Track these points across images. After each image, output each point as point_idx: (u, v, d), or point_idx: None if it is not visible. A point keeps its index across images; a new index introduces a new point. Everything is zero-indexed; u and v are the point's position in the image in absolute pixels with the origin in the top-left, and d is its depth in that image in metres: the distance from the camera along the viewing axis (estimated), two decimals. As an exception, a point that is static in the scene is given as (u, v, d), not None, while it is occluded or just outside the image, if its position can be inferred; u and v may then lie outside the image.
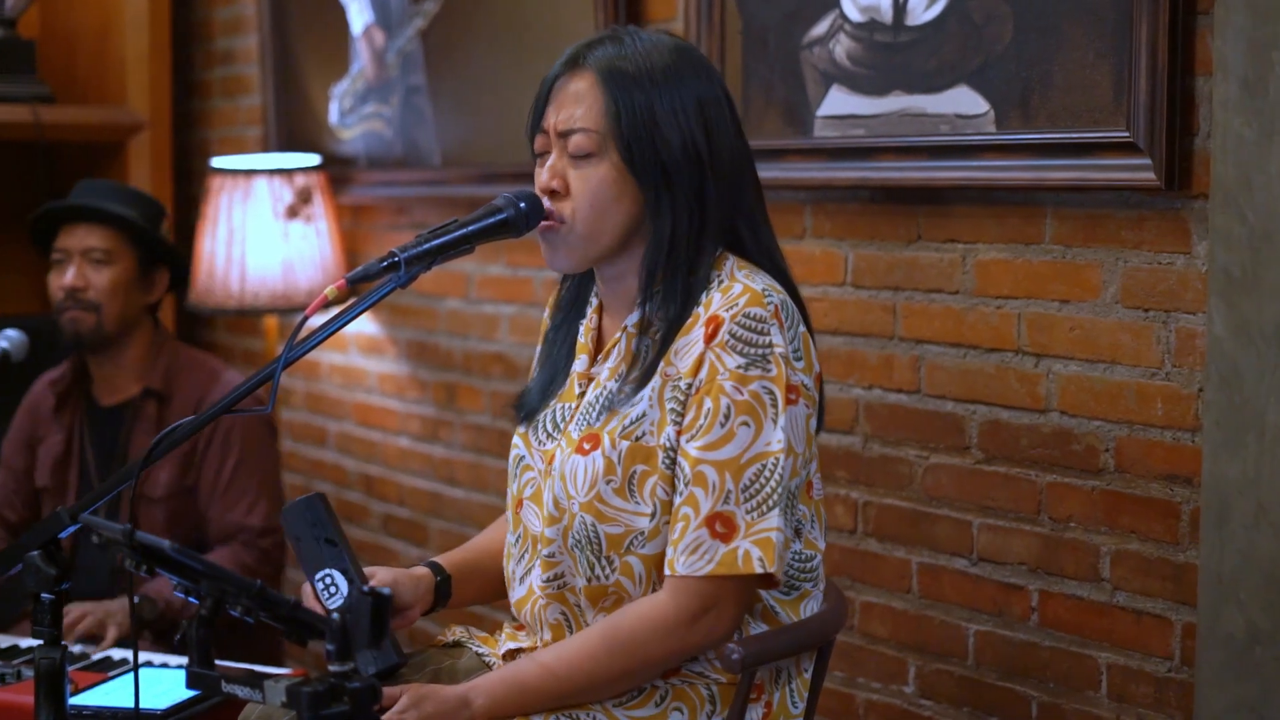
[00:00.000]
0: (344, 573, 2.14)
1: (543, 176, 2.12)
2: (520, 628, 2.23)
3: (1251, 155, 2.17)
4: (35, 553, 2.01)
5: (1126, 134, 2.35)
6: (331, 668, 1.62)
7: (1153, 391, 2.41)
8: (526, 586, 2.18)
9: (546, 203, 2.11)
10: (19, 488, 3.43)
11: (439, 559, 2.31)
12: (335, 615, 1.62)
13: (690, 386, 2.05)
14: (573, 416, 2.16)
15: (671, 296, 2.09)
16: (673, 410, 2.06)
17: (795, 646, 2.13)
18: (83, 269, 3.29)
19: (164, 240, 3.39)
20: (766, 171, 2.89)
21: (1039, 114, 2.49)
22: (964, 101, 2.59)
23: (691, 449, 2.03)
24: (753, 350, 2.02)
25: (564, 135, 2.10)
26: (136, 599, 3.08)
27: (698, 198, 2.09)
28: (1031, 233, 2.57)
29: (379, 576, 2.19)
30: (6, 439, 3.48)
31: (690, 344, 2.06)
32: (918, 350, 2.76)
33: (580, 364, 2.20)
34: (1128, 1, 2.34)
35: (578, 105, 2.09)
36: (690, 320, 2.07)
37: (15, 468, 3.44)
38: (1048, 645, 2.58)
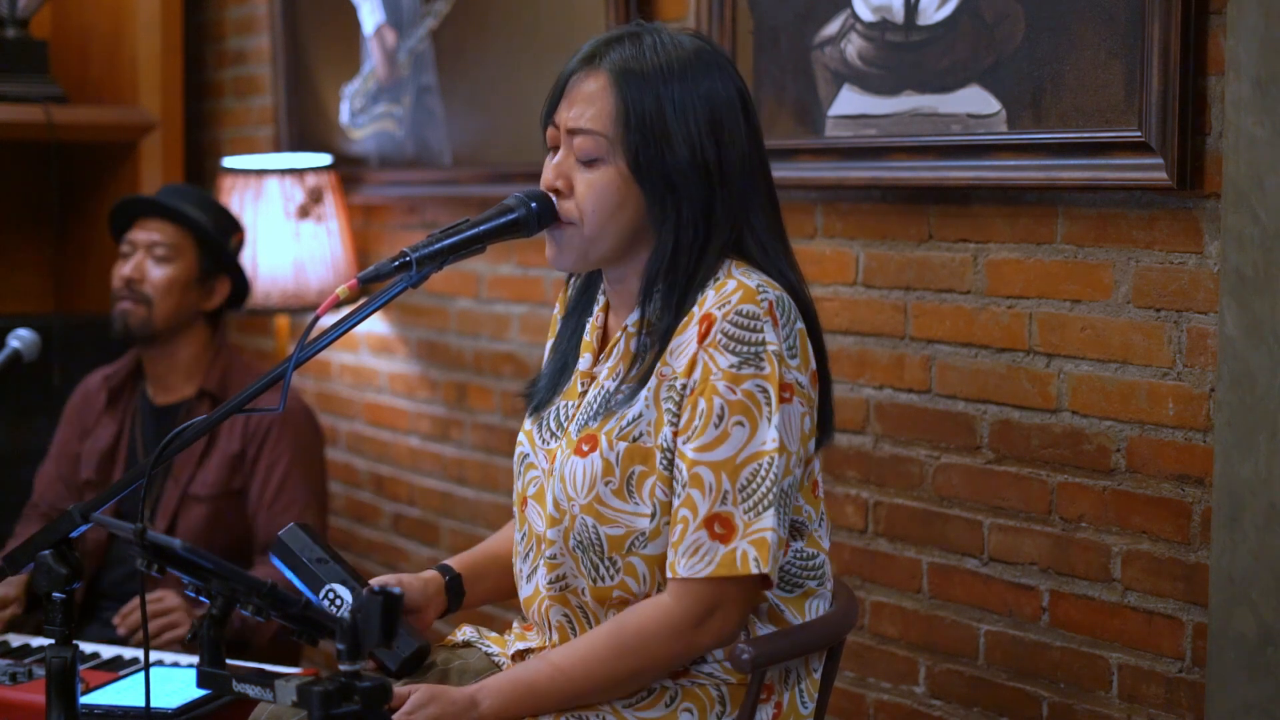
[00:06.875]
0: (344, 583, 2.14)
1: (548, 174, 2.12)
2: (529, 627, 2.23)
3: (1264, 155, 2.16)
4: (47, 552, 2.02)
5: (1138, 134, 2.35)
6: (342, 667, 1.62)
7: (1164, 391, 2.40)
8: (533, 586, 2.18)
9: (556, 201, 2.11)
10: (70, 482, 3.45)
11: (449, 561, 2.31)
12: (346, 615, 1.62)
13: (685, 387, 2.04)
14: (573, 416, 2.15)
15: (669, 303, 2.08)
16: (669, 410, 2.05)
17: (805, 647, 2.13)
18: (143, 263, 3.37)
19: (228, 250, 3.45)
20: (778, 171, 2.89)
21: (1051, 113, 2.48)
22: (975, 101, 2.59)
23: (688, 450, 2.02)
24: (745, 349, 2.01)
25: (572, 134, 2.09)
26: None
27: (704, 211, 2.08)
28: (1043, 232, 2.56)
29: (383, 581, 2.18)
30: (59, 430, 3.53)
31: (685, 343, 2.05)
32: (929, 350, 2.76)
33: (584, 362, 2.19)
34: (1140, 1, 2.33)
35: (589, 106, 2.08)
36: (686, 319, 2.06)
37: (69, 455, 3.47)
38: (1059, 645, 2.57)
